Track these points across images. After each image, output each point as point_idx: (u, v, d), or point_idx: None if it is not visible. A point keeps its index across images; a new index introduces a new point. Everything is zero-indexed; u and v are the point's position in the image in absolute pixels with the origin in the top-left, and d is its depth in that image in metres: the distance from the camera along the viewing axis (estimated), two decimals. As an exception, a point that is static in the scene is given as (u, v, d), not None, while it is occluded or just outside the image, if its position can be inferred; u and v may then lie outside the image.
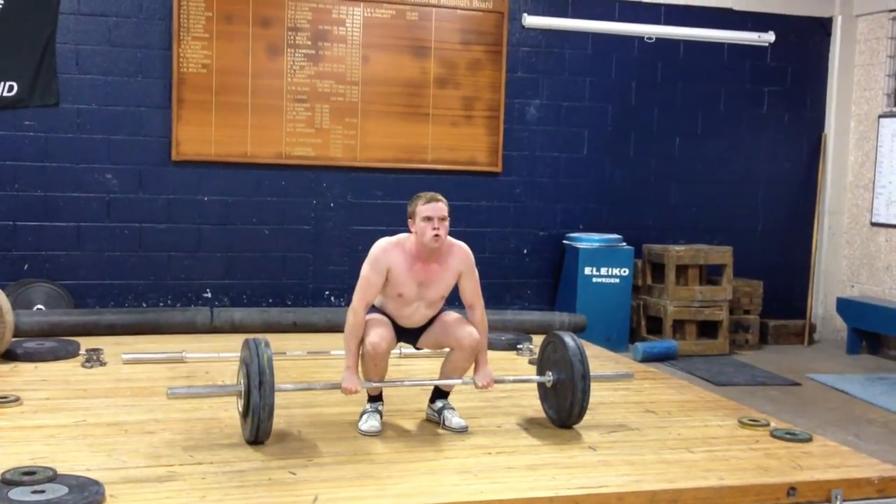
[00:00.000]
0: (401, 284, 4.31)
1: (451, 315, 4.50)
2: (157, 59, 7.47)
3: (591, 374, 4.41)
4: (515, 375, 5.01)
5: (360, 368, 4.39)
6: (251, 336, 4.22)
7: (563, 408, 4.46)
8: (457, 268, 4.39)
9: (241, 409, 4.14)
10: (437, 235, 4.22)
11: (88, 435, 4.19)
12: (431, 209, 4.23)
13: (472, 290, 4.44)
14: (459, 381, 4.51)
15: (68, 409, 4.62)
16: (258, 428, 3.98)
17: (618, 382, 5.48)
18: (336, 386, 4.35)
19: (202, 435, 4.24)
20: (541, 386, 4.68)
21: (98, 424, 4.36)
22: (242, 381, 4.08)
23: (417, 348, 4.64)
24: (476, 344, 4.40)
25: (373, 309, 4.43)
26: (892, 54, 8.77)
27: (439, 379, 4.61)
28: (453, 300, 4.53)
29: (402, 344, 5.79)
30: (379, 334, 4.29)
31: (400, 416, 4.62)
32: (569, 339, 4.48)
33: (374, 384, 4.39)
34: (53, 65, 7.22)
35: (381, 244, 4.35)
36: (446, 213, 4.27)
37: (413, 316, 4.42)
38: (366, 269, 4.33)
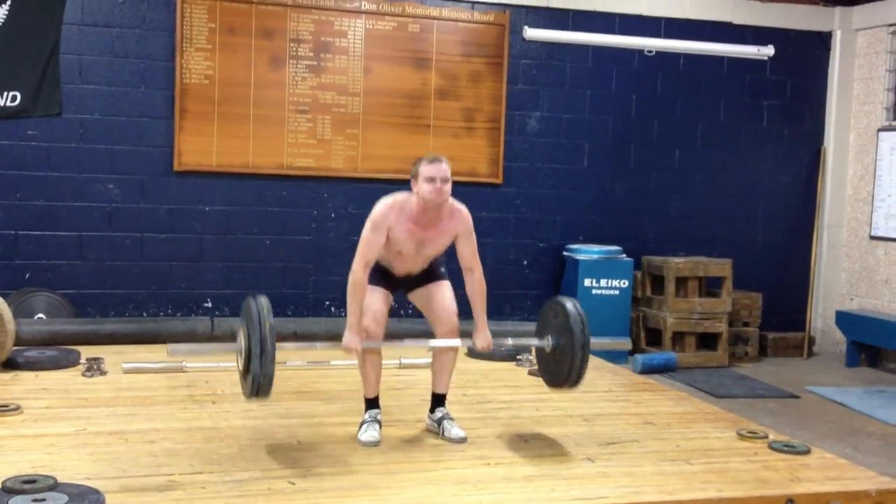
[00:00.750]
0: (400, 244, 4.36)
1: (444, 291, 4.52)
2: (160, 69, 7.51)
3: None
4: (515, 338, 4.93)
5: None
6: (253, 296, 4.12)
7: (560, 373, 4.46)
8: (455, 229, 4.43)
9: (241, 367, 4.13)
10: (438, 193, 4.24)
11: (89, 444, 4.20)
12: (434, 170, 4.24)
13: (470, 253, 4.48)
14: (458, 341, 4.48)
15: (69, 417, 4.63)
16: (258, 391, 4.00)
17: (617, 393, 5.50)
18: (337, 344, 4.34)
19: (202, 444, 4.25)
20: (539, 349, 4.68)
21: (98, 433, 4.37)
22: (243, 343, 4.05)
23: (407, 300, 4.66)
24: (454, 327, 4.47)
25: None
26: (892, 68, 8.81)
27: (433, 379, 4.63)
28: (453, 269, 4.55)
29: (402, 356, 5.83)
30: (374, 319, 4.36)
31: (399, 427, 4.63)
32: (570, 305, 4.44)
33: (374, 344, 4.38)
34: (57, 75, 7.22)
35: (382, 207, 4.35)
36: (448, 175, 4.29)
37: (410, 268, 4.49)
38: (367, 230, 4.34)
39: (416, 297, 4.61)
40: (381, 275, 4.49)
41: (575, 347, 4.32)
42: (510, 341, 4.78)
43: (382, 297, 4.47)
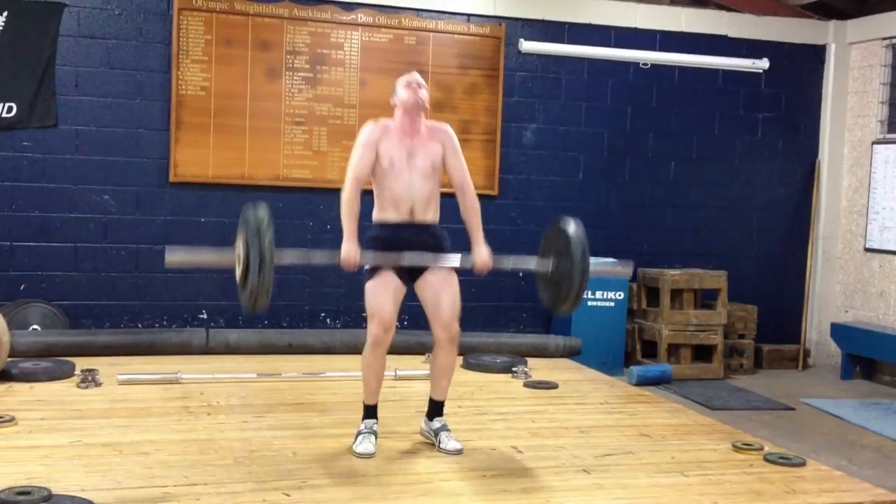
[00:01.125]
0: (391, 153, 4.41)
1: (453, 291, 4.47)
2: (156, 81, 7.51)
3: (591, 266, 4.37)
4: (515, 260, 4.87)
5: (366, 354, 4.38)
6: (253, 205, 4.05)
7: (558, 296, 4.44)
8: (440, 139, 4.51)
9: (238, 276, 4.06)
10: (415, 94, 4.41)
11: (83, 455, 4.20)
12: (409, 77, 4.50)
13: (459, 169, 4.53)
14: (458, 257, 4.46)
15: (63, 429, 4.62)
16: (255, 303, 3.96)
17: (613, 404, 5.48)
18: (336, 253, 4.28)
19: (197, 455, 4.25)
20: (540, 270, 4.63)
21: (93, 445, 4.37)
22: (241, 252, 3.99)
23: (413, 288, 4.53)
24: (454, 334, 4.47)
25: (369, 235, 4.44)
26: (886, 81, 8.85)
27: (432, 383, 4.63)
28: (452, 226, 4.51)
29: (397, 367, 5.82)
30: (381, 324, 4.33)
31: (394, 439, 4.63)
32: (572, 229, 4.41)
33: (373, 255, 4.36)
34: (52, 86, 7.27)
35: (367, 125, 4.50)
36: (424, 83, 4.51)
37: (411, 194, 4.42)
38: (355, 149, 4.48)
39: (424, 287, 4.46)
40: (388, 246, 4.39)
41: (574, 271, 4.30)
42: (510, 263, 4.75)
43: (392, 295, 4.37)
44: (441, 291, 4.45)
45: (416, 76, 4.52)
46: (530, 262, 4.62)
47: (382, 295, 4.36)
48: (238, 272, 4.04)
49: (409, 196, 4.42)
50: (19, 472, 3.87)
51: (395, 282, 4.38)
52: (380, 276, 4.38)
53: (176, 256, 4.28)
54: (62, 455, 4.19)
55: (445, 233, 4.56)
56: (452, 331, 4.47)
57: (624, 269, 4.98)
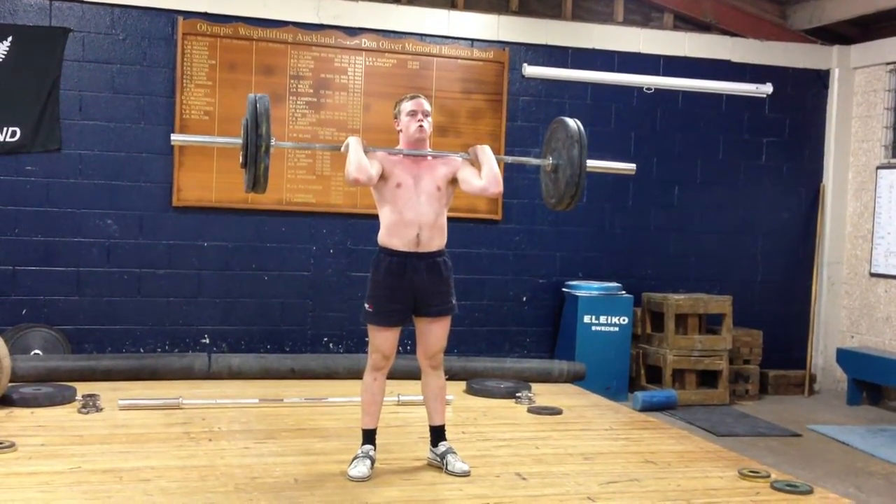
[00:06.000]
0: (396, 175, 4.41)
1: (444, 329, 4.55)
2: (160, 105, 7.52)
3: (592, 162, 4.57)
4: (515, 157, 5.00)
5: (363, 416, 4.36)
6: (256, 97, 4.29)
7: (557, 193, 4.58)
8: (450, 164, 4.52)
9: (241, 160, 4.27)
10: (420, 126, 4.44)
11: (83, 482, 4.17)
12: (414, 104, 4.50)
13: (475, 174, 4.50)
14: (457, 155, 4.54)
15: (64, 455, 4.59)
16: (254, 185, 4.19)
17: (618, 431, 5.43)
18: (336, 147, 4.52)
19: (198, 482, 4.21)
20: (542, 167, 4.78)
21: (93, 471, 4.33)
22: (242, 138, 4.23)
23: (413, 320, 4.59)
24: (437, 363, 4.57)
25: (374, 265, 4.48)
26: (890, 106, 8.84)
27: (428, 410, 4.65)
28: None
29: (400, 392, 5.79)
30: (382, 355, 4.45)
31: (396, 464, 4.59)
32: (573, 126, 4.54)
33: (369, 151, 4.42)
34: (56, 111, 7.28)
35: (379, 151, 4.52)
36: (429, 109, 4.51)
37: (418, 217, 4.41)
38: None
39: (421, 321, 4.55)
40: (392, 291, 4.43)
41: (572, 169, 4.44)
42: (510, 159, 5.11)
43: (392, 336, 4.49)
44: (434, 325, 4.53)
45: (422, 104, 4.50)
46: (531, 159, 4.77)
47: (382, 335, 4.48)
48: (241, 158, 4.27)
49: (415, 220, 4.41)
50: (18, 499, 3.85)
51: (395, 329, 4.51)
52: (380, 320, 4.47)
53: (180, 136, 4.58)
54: (62, 482, 4.15)
55: (451, 263, 4.59)
56: (436, 360, 4.57)
57: (626, 166, 5.05)
